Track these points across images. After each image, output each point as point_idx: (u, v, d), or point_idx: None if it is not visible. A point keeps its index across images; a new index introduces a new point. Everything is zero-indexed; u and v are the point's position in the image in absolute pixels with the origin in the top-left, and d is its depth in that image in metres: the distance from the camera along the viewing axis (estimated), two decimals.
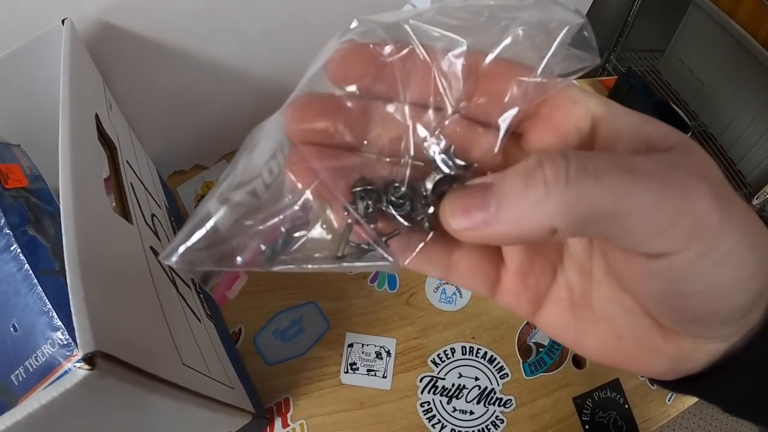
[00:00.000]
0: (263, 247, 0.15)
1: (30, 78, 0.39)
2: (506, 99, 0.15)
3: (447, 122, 0.16)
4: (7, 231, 0.32)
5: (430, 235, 0.16)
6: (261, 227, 0.15)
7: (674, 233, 0.13)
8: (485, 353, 0.45)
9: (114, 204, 0.33)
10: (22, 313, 0.30)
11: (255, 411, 0.37)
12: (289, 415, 0.42)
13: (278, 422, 0.41)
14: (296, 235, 0.16)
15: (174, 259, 0.15)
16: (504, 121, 0.15)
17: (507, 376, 0.44)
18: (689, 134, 0.60)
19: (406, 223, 0.16)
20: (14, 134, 0.37)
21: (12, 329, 0.30)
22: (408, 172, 0.16)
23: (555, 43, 0.14)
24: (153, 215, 0.39)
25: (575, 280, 0.18)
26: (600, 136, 0.15)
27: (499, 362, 0.45)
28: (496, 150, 0.16)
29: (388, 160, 0.16)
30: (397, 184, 0.16)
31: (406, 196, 0.16)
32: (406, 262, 0.16)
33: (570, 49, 0.15)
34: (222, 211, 0.15)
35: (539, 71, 0.15)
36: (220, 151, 0.54)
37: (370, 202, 0.15)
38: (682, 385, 0.17)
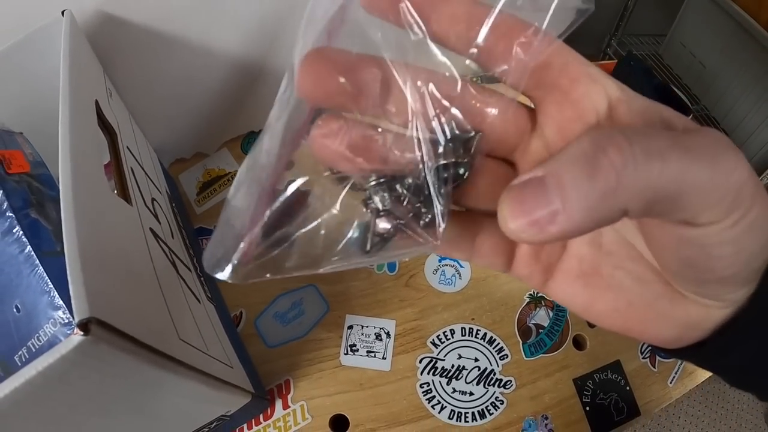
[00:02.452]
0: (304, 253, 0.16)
1: (32, 69, 0.40)
2: (512, 55, 0.14)
3: (458, 89, 0.15)
4: (10, 214, 0.32)
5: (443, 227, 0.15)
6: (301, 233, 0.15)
7: (720, 206, 0.13)
8: (485, 334, 0.45)
9: (114, 187, 0.34)
10: (24, 294, 0.31)
11: (255, 391, 0.37)
12: (289, 397, 0.42)
13: (279, 404, 0.42)
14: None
15: (227, 273, 0.15)
16: (515, 77, 0.15)
17: (507, 357, 0.44)
18: (689, 117, 0.60)
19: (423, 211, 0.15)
20: (18, 124, 0.38)
21: (15, 310, 0.31)
22: (421, 156, 0.15)
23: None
24: (153, 199, 0.40)
25: (585, 251, 0.18)
26: (618, 117, 0.15)
27: (498, 343, 0.45)
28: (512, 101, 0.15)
29: (407, 134, 0.15)
30: (409, 179, 0.15)
31: (417, 184, 0.15)
32: (437, 242, 0.15)
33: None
34: (243, 193, 0.15)
35: (545, 24, 0.14)
36: (221, 138, 0.54)
37: (386, 195, 0.15)
38: (687, 352, 0.18)
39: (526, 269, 0.19)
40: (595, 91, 0.15)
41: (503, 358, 0.44)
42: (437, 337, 0.45)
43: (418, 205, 0.15)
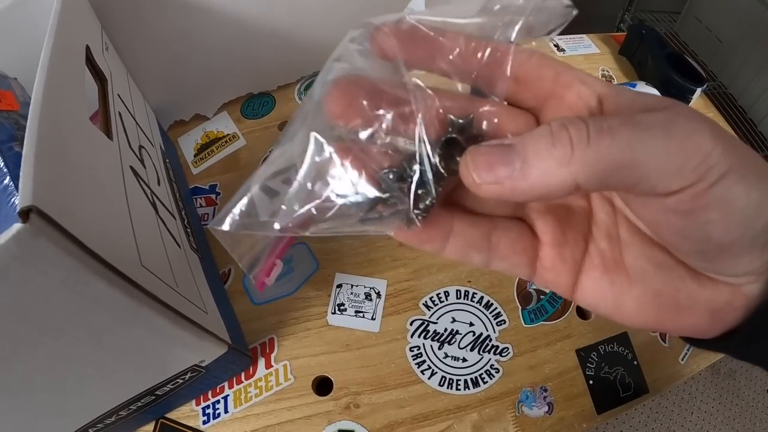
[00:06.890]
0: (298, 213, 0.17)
1: (31, 26, 0.40)
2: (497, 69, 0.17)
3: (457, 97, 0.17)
4: None
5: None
6: (299, 210, 0.17)
7: (685, 171, 0.14)
8: (481, 298, 0.42)
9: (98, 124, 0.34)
10: (2, 225, 0.31)
11: (232, 343, 0.36)
12: (272, 356, 0.40)
13: (261, 363, 0.40)
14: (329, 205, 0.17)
15: (222, 225, 0.17)
16: (500, 87, 0.17)
17: (504, 323, 0.42)
18: (704, 87, 0.56)
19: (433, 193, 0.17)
20: (15, 74, 0.39)
21: None
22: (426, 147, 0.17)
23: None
24: (141, 147, 0.40)
25: (605, 246, 0.19)
26: (606, 109, 0.16)
27: (496, 308, 0.42)
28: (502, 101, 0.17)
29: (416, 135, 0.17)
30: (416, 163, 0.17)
31: (424, 167, 0.17)
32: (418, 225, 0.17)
33: (546, 6, 0.17)
34: (259, 196, 0.17)
35: (514, 36, 0.16)
36: (219, 100, 0.54)
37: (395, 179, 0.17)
38: (725, 342, 0.17)
39: (551, 272, 0.19)
40: (585, 91, 0.17)
41: (500, 324, 0.42)
42: (430, 298, 0.42)
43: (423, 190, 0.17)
